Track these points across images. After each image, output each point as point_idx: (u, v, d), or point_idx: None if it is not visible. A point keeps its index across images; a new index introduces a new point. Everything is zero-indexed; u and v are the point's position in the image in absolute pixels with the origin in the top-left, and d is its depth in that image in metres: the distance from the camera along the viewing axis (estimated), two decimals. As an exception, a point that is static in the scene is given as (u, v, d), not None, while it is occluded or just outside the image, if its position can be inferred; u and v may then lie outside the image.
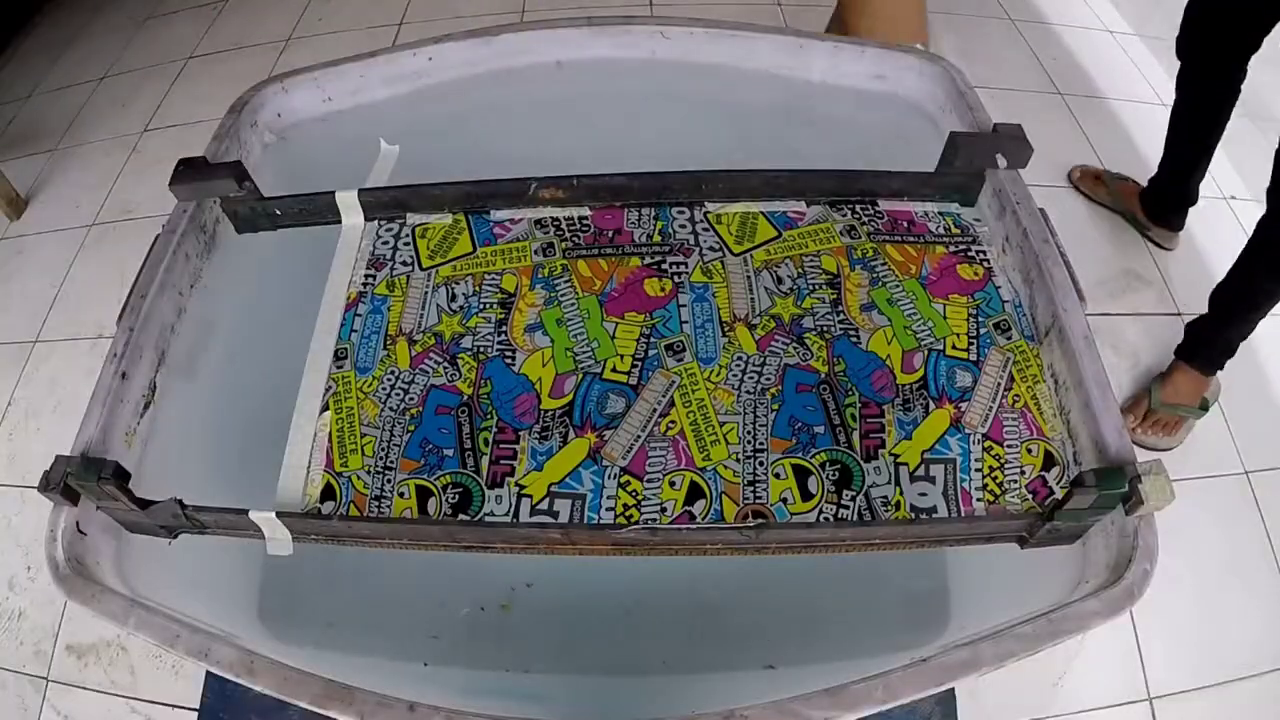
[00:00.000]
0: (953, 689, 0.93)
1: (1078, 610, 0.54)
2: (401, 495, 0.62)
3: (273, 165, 0.89)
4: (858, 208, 0.77)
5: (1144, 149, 1.60)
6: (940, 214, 0.76)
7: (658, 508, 0.61)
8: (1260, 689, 1.01)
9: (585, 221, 0.76)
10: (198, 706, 0.99)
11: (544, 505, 0.61)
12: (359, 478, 0.63)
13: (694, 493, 0.62)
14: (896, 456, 0.64)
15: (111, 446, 0.62)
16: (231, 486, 0.70)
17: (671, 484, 0.62)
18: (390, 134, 0.93)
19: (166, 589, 0.62)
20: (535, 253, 0.75)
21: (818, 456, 0.64)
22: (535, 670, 0.82)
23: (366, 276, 0.74)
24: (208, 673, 0.97)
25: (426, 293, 0.73)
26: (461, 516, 0.62)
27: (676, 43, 0.88)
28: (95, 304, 1.44)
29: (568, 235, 0.76)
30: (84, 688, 1.05)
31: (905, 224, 0.76)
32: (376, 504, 0.62)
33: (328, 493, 0.62)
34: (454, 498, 0.62)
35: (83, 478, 0.57)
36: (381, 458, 0.64)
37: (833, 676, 0.52)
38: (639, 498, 0.62)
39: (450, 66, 0.89)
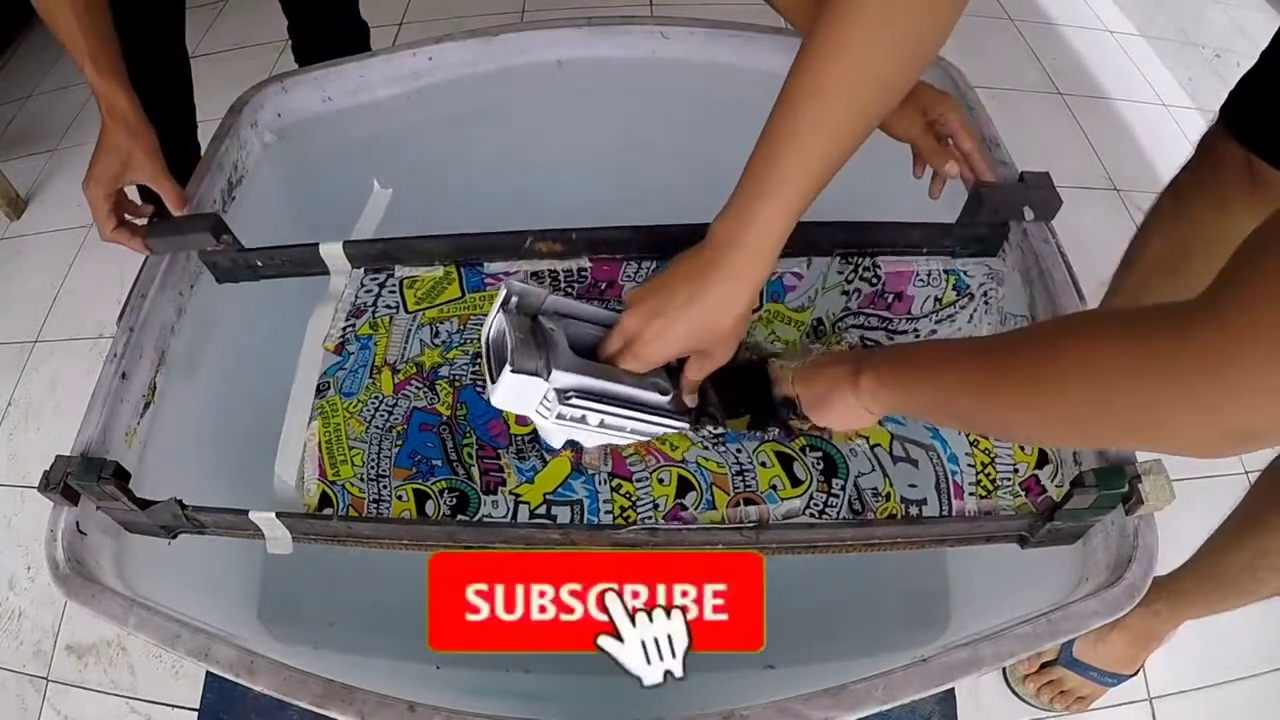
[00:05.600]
0: (953, 689, 0.94)
1: (1078, 610, 0.54)
2: (400, 499, 0.63)
3: (273, 165, 0.89)
4: (861, 270, 0.72)
5: (1144, 149, 1.60)
6: (945, 272, 0.72)
7: (652, 504, 0.61)
8: (1260, 689, 1.01)
9: (584, 273, 0.72)
10: (198, 706, 0.99)
11: (542, 511, 0.62)
12: (353, 484, 0.63)
13: (684, 486, 0.62)
14: (867, 439, 0.64)
15: (111, 446, 0.62)
16: (231, 486, 0.70)
17: (660, 480, 0.62)
18: (390, 134, 0.93)
19: (166, 589, 0.62)
20: None
21: (798, 440, 0.64)
22: (535, 670, 0.82)
23: (346, 328, 0.72)
24: (208, 673, 0.97)
25: (410, 330, 0.72)
26: (460, 517, 0.62)
27: (676, 43, 0.88)
28: (95, 304, 1.43)
29: (562, 286, 0.73)
30: (84, 688, 1.05)
31: (891, 296, 0.72)
32: (375, 506, 0.62)
33: (324, 500, 0.63)
34: (452, 500, 0.62)
35: (83, 478, 0.57)
36: (373, 467, 0.64)
37: (833, 676, 0.52)
38: (633, 499, 0.62)
39: (450, 66, 0.89)
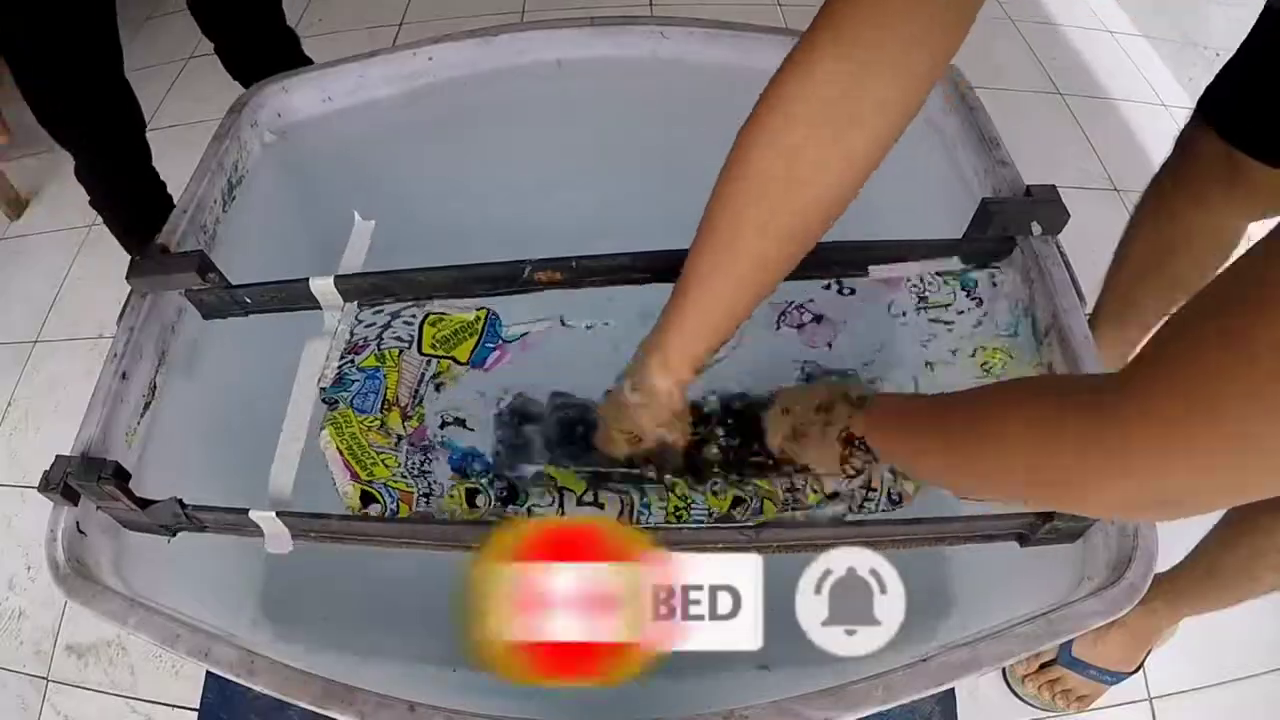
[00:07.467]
0: (953, 689, 0.94)
1: (1078, 610, 0.54)
2: (451, 496, 0.63)
3: (273, 165, 0.89)
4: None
5: (1144, 149, 1.60)
6: (938, 277, 0.69)
7: (706, 512, 0.62)
8: (1260, 689, 1.01)
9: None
10: (198, 706, 0.99)
11: (589, 499, 0.62)
12: (395, 481, 0.63)
13: (736, 500, 0.62)
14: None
15: (111, 446, 0.62)
16: (231, 486, 0.70)
17: (714, 493, 0.62)
18: (390, 134, 0.92)
19: (166, 589, 0.62)
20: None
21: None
22: (535, 670, 0.82)
23: (342, 365, 0.68)
24: (208, 673, 0.97)
25: (423, 375, 0.68)
26: (461, 516, 0.62)
27: (676, 43, 0.88)
28: (95, 304, 1.43)
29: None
30: (84, 688, 1.05)
31: (823, 343, 0.70)
32: (425, 500, 0.62)
33: (366, 499, 0.62)
34: (502, 492, 0.63)
35: (83, 478, 0.57)
36: (415, 467, 0.64)
37: (832, 677, 0.52)
38: (688, 501, 0.62)
39: (450, 66, 0.89)
